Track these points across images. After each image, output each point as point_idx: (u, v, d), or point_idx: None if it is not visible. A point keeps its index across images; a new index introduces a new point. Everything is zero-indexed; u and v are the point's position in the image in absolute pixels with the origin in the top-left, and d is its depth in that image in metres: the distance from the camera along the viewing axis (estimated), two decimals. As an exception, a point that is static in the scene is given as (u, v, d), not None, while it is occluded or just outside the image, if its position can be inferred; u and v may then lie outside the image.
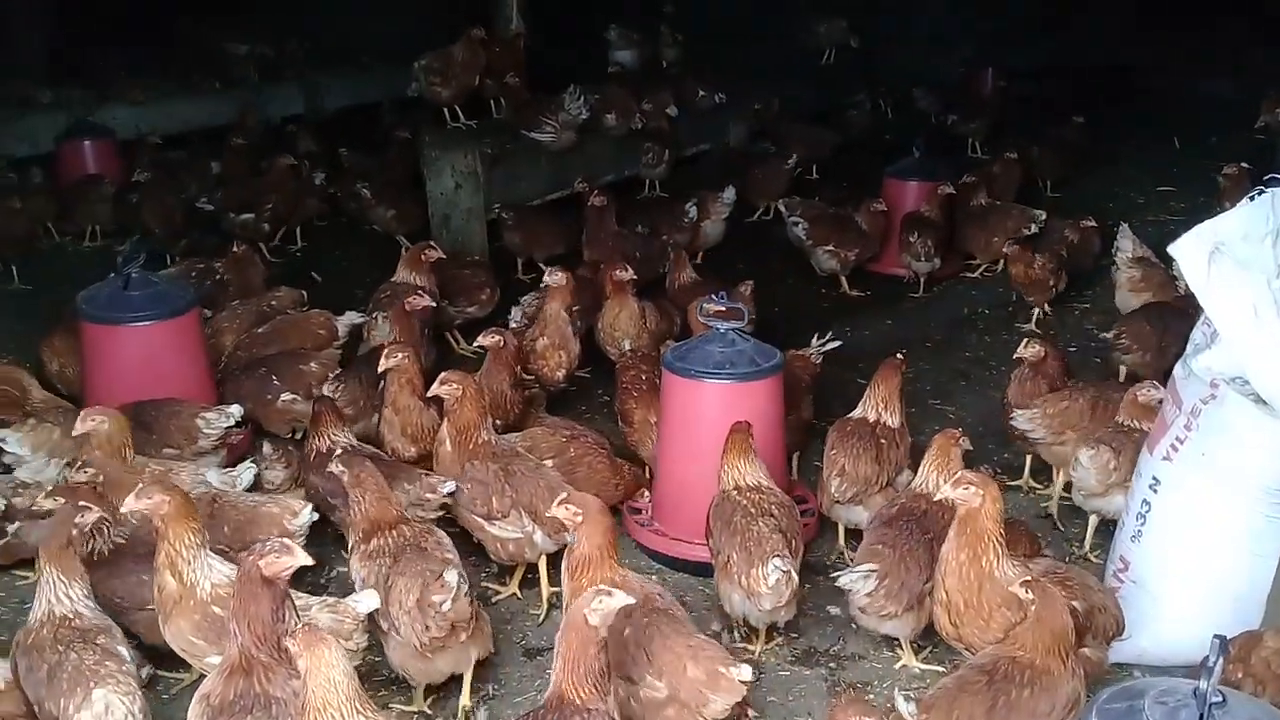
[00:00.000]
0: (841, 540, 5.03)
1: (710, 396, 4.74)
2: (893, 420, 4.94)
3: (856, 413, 5.02)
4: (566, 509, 3.72)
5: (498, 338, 5.21)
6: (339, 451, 4.45)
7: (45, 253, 8.55)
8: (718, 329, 4.85)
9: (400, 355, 4.95)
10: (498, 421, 5.14)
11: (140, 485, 3.62)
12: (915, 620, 4.10)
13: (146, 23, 13.68)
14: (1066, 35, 13.65)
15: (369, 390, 5.34)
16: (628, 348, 5.95)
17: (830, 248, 8.01)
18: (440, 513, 4.65)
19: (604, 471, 4.96)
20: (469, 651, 3.89)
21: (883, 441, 4.85)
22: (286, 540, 3.13)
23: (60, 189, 8.81)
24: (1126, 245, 7.27)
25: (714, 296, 5.12)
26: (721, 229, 8.63)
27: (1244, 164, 8.40)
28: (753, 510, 4.16)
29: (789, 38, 12.97)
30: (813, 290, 8.23)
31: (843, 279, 8.12)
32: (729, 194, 8.52)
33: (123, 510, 3.69)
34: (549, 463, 4.82)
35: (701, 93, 9.97)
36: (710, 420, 4.70)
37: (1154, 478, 4.29)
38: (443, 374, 4.56)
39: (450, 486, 4.51)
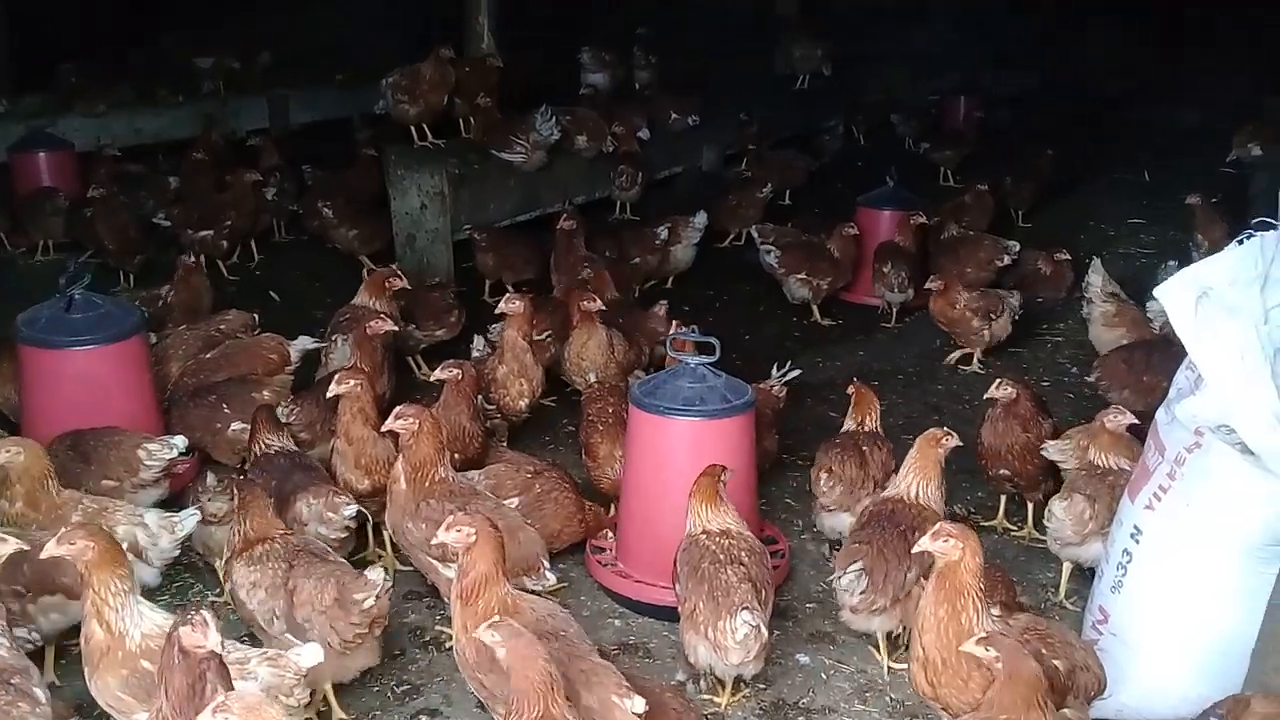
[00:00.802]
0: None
1: (679, 434, 4.53)
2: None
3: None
4: (458, 531, 3.62)
5: (455, 371, 4.97)
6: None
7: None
8: (687, 363, 4.64)
9: (352, 382, 4.70)
10: (457, 456, 4.92)
11: (63, 530, 3.36)
12: (900, 614, 4.15)
13: (111, 33, 13.48)
14: (1049, 64, 13.62)
15: (326, 414, 5.09)
16: (594, 379, 5.74)
17: (802, 276, 7.85)
18: (345, 533, 4.51)
19: (569, 508, 4.74)
20: (377, 650, 3.90)
21: (864, 449, 4.95)
22: (208, 615, 2.87)
23: (13, 201, 8.48)
24: (1097, 280, 7.12)
25: (684, 330, 4.92)
26: (692, 254, 8.46)
27: (1213, 198, 8.36)
28: (721, 557, 3.95)
29: (764, 61, 12.92)
30: (784, 318, 8.06)
31: (814, 308, 7.96)
32: (700, 219, 8.35)
33: (43, 556, 3.43)
34: (513, 501, 4.60)
35: (674, 115, 9.81)
36: (678, 459, 4.50)
37: (1135, 527, 4.11)
38: (398, 408, 4.32)
39: (351, 510, 4.42)
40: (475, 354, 5.96)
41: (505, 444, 5.76)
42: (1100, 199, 10.73)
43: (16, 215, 8.38)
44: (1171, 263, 7.84)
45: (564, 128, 8.39)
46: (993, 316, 7.03)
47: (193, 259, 6.60)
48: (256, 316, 6.25)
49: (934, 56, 13.78)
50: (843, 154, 12.34)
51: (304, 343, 5.72)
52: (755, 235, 8.22)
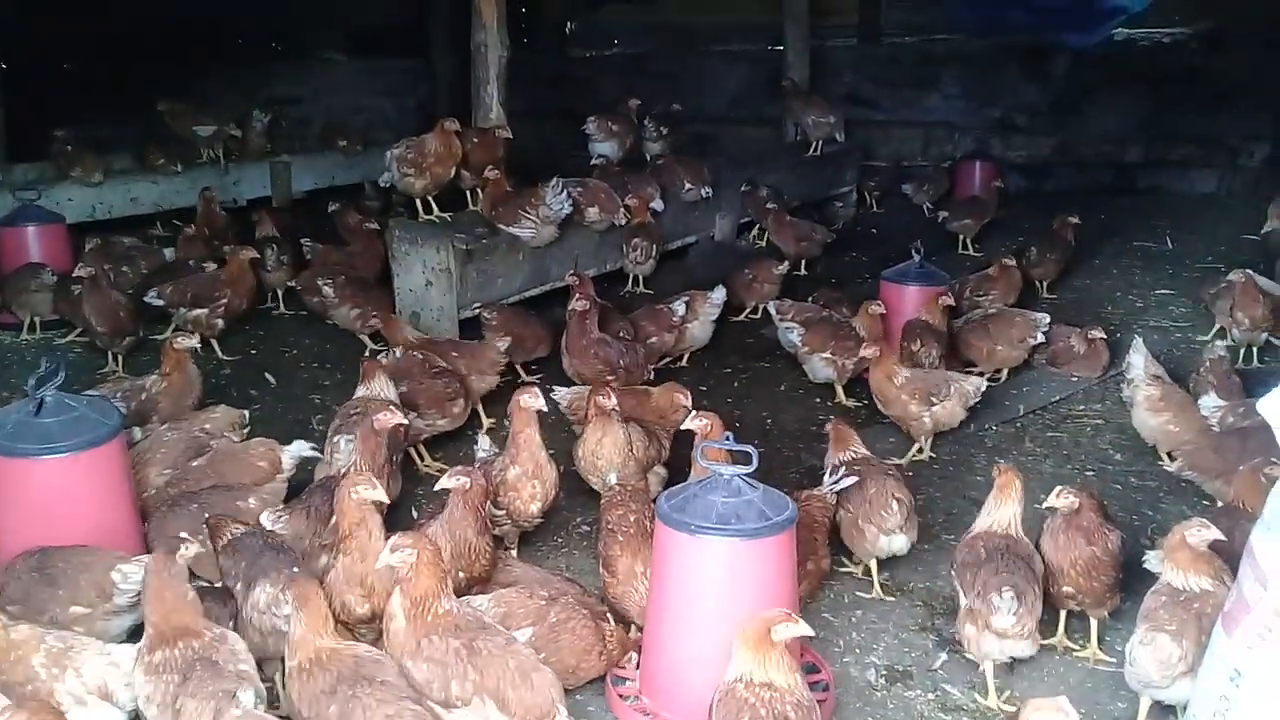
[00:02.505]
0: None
1: (712, 556, 3.98)
2: None
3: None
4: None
5: (464, 480, 4.42)
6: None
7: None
8: (720, 474, 4.11)
9: (365, 486, 4.14)
10: (461, 575, 4.39)
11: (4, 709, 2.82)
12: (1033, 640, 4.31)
13: (109, 100, 13.11)
14: (1062, 129, 13.21)
15: (319, 525, 4.55)
16: (614, 481, 5.19)
17: (826, 355, 7.33)
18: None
19: (588, 639, 4.17)
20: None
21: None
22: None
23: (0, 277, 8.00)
24: (1139, 361, 6.61)
25: (720, 438, 4.39)
26: (709, 330, 7.96)
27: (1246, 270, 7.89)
28: (764, 713, 3.39)
29: (776, 129, 12.57)
30: (807, 399, 7.53)
31: (839, 389, 7.43)
32: (718, 294, 7.86)
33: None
34: (525, 632, 4.05)
35: (688, 185, 9.36)
36: (711, 583, 3.97)
37: (1235, 670, 3.56)
38: (393, 539, 3.77)
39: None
40: (481, 454, 5.40)
41: (515, 550, 5.24)
42: (1124, 268, 10.23)
43: (2, 291, 7.87)
44: (1219, 344, 7.39)
45: (575, 200, 7.94)
46: (934, 401, 6.36)
47: (181, 344, 6.03)
48: (246, 415, 5.70)
49: (946, 122, 13.43)
50: (856, 221, 11.91)
51: (299, 449, 5.16)
52: (774, 312, 7.73)
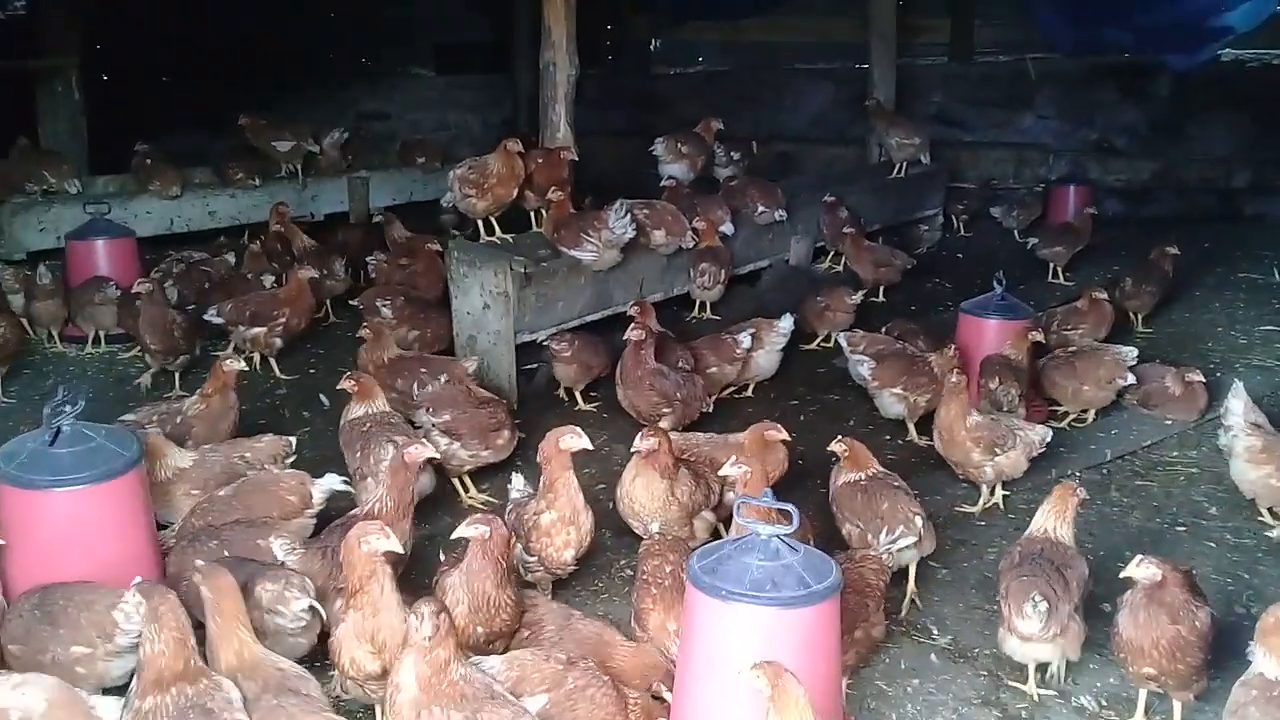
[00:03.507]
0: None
1: (744, 626, 3.58)
2: None
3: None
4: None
5: (483, 528, 4.07)
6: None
7: (38, 360, 7.70)
8: (757, 534, 3.70)
9: (377, 537, 3.84)
10: (480, 630, 4.05)
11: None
12: (1063, 647, 4.31)
13: (199, 115, 13.19)
14: (1163, 153, 12.45)
15: (335, 568, 4.25)
16: (655, 529, 4.80)
17: (897, 391, 6.84)
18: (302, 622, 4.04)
19: (609, 708, 3.78)
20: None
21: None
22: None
23: (68, 290, 7.94)
24: (1239, 407, 5.97)
25: (760, 491, 3.99)
26: (776, 360, 7.53)
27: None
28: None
29: (859, 150, 12.10)
30: (876, 436, 7.03)
31: (911, 426, 6.94)
32: (786, 323, 7.43)
33: None
34: (540, 699, 3.68)
35: (761, 207, 8.93)
36: (742, 655, 3.55)
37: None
38: (416, 605, 3.44)
39: (304, 603, 4.00)
40: (514, 494, 5.05)
41: (549, 593, 4.88)
42: (1227, 301, 9.48)
43: (70, 305, 7.81)
44: (1332, 391, 6.73)
45: (640, 222, 7.59)
46: (998, 451, 5.85)
47: (230, 367, 5.82)
48: (292, 444, 5.45)
49: (1040, 144, 12.77)
50: (940, 245, 11.34)
51: (330, 483, 4.88)
52: (845, 343, 7.26)
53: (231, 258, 8.78)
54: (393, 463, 4.66)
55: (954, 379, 5.88)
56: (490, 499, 5.97)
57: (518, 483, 5.07)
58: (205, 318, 7.49)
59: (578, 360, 7.01)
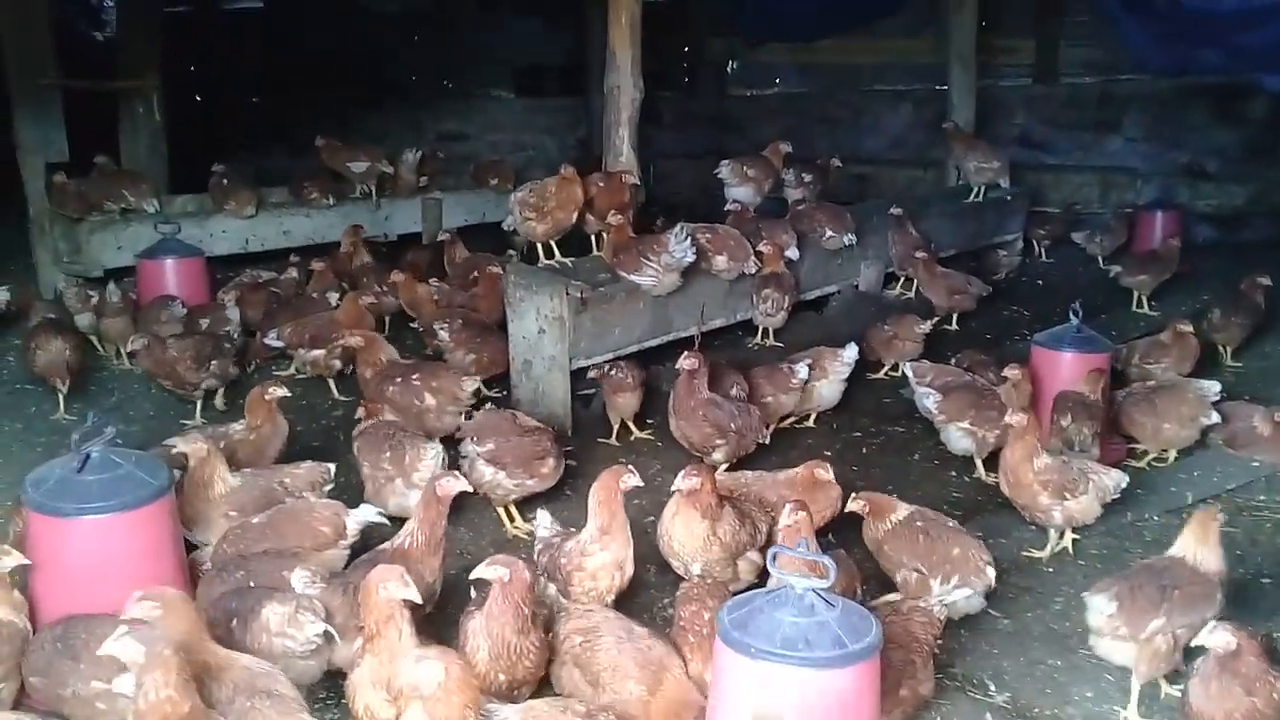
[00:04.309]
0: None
1: (773, 686, 3.32)
2: None
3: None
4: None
5: (503, 570, 3.86)
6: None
7: (104, 377, 7.74)
8: (791, 588, 3.44)
9: (396, 584, 3.66)
10: (502, 677, 3.84)
11: None
12: (1147, 659, 4.22)
13: (273, 135, 13.35)
14: (1257, 178, 11.81)
15: (355, 605, 4.07)
16: (696, 571, 4.55)
17: (965, 426, 6.49)
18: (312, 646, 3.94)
19: (631, 765, 3.55)
20: None
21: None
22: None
23: (137, 309, 7.98)
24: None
25: (800, 538, 3.72)
26: (839, 390, 7.22)
27: None
28: None
29: (938, 172, 11.73)
30: (942, 472, 6.70)
31: (978, 461, 6.57)
32: (850, 353, 7.12)
33: None
34: (555, 751, 3.46)
35: (830, 232, 8.63)
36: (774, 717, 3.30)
37: None
38: (419, 651, 3.25)
39: (317, 628, 3.87)
40: (542, 532, 4.83)
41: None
42: (1327, 335, 8.93)
43: (138, 324, 7.84)
44: None
45: (701, 246, 7.36)
46: (1068, 496, 5.45)
47: (273, 394, 5.73)
48: (332, 470, 5.31)
49: (1127, 168, 12.22)
50: (1020, 271, 10.89)
51: (365, 514, 4.73)
52: (911, 374, 6.93)
53: (295, 272, 8.74)
54: (424, 496, 4.49)
55: (1017, 419, 5.50)
56: (534, 530, 5.77)
57: (544, 520, 4.85)
58: (266, 341, 7.47)
59: (642, 389, 6.80)
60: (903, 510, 4.97)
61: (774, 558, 3.58)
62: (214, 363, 6.97)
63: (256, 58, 14.98)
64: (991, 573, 4.81)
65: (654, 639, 3.79)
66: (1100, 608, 4.29)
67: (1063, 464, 5.56)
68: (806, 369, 6.79)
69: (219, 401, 7.17)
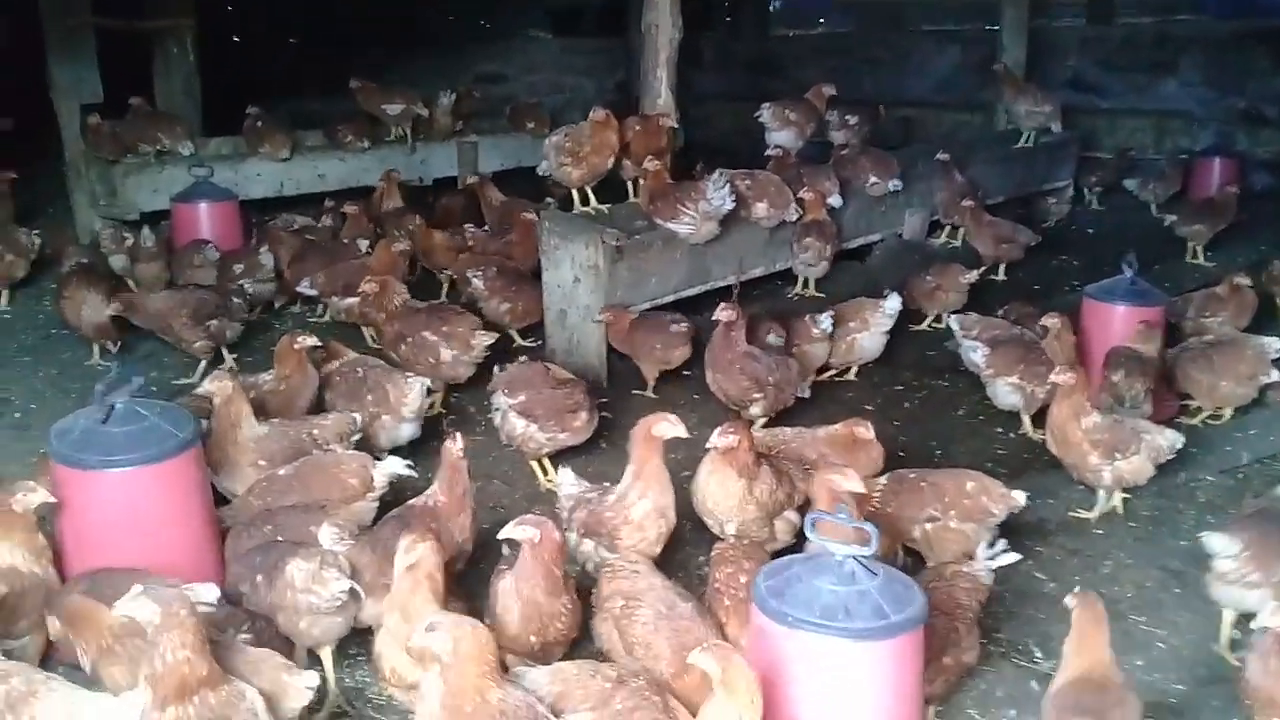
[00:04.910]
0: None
1: (811, 656, 3.18)
2: None
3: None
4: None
5: (532, 530, 3.73)
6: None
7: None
8: (832, 555, 3.28)
9: (420, 549, 3.55)
10: (533, 639, 3.73)
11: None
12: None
13: (311, 77, 13.14)
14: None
15: (384, 563, 3.97)
16: (731, 531, 4.41)
17: (1014, 381, 6.26)
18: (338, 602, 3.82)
19: (658, 731, 3.42)
20: None
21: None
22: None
23: (171, 253, 7.89)
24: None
25: (833, 511, 3.55)
26: (881, 342, 6.98)
27: None
28: None
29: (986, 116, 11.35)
30: (987, 428, 6.48)
31: (1026, 419, 6.35)
32: (892, 303, 6.88)
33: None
34: (584, 716, 3.33)
35: (874, 179, 8.35)
36: (811, 690, 3.17)
37: None
38: (431, 618, 3.12)
39: (343, 585, 3.75)
40: (568, 489, 4.64)
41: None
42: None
43: (171, 267, 7.76)
44: None
45: (741, 193, 7.13)
46: (1118, 456, 5.22)
47: (301, 343, 5.60)
48: (358, 420, 5.19)
49: (1183, 112, 11.76)
50: (1070, 220, 10.54)
51: (393, 466, 4.59)
52: (957, 327, 6.70)
53: (329, 219, 8.61)
54: (445, 456, 4.35)
55: (1058, 379, 5.28)
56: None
57: (568, 477, 4.69)
58: (299, 289, 7.35)
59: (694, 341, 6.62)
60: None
61: (813, 524, 3.42)
62: (213, 322, 6.72)
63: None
64: (1019, 495, 4.63)
65: (695, 619, 3.60)
66: (1224, 549, 4.16)
67: (1114, 422, 5.33)
68: (830, 320, 6.55)
69: (228, 358, 6.90)
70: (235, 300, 6.94)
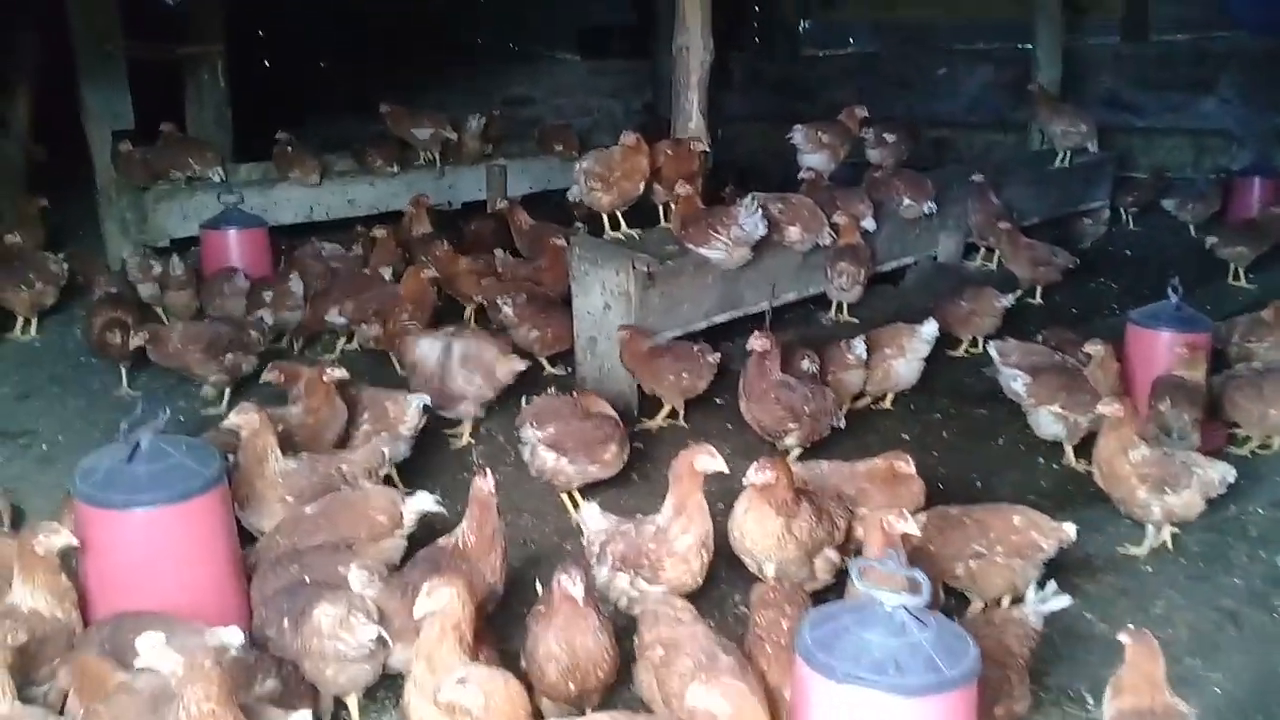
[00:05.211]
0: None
1: (860, 712, 3.01)
2: None
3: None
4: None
5: (574, 580, 3.58)
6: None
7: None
8: (880, 605, 3.13)
9: (445, 594, 3.42)
10: (572, 687, 3.59)
11: None
12: None
13: (342, 100, 13.14)
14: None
15: (412, 608, 3.83)
16: (770, 572, 4.26)
17: (1056, 410, 6.07)
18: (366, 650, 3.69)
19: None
20: None
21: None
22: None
23: (200, 280, 7.83)
24: None
25: (886, 553, 3.39)
26: (917, 369, 6.79)
27: None
28: None
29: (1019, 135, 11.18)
30: (1028, 459, 6.29)
31: (1068, 448, 6.16)
32: (928, 329, 6.69)
33: None
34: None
35: (907, 200, 8.20)
36: (859, 747, 3.01)
37: None
38: (461, 670, 3.00)
39: (371, 632, 3.62)
40: (594, 524, 4.46)
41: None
42: None
43: (202, 296, 7.70)
44: None
45: (773, 218, 6.99)
46: (1168, 490, 5.03)
47: (330, 376, 5.50)
48: (386, 454, 5.08)
49: (1221, 130, 11.53)
50: (1107, 241, 10.33)
51: (422, 503, 4.46)
52: (995, 354, 6.51)
53: (359, 248, 8.53)
54: (475, 493, 4.23)
55: (1107, 410, 5.10)
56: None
57: (593, 512, 4.55)
58: (328, 318, 7.25)
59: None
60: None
61: (858, 571, 3.26)
62: (229, 355, 6.61)
63: (325, 23, 14.75)
64: (1069, 528, 4.49)
65: (735, 675, 3.44)
66: None
67: (1163, 455, 5.15)
68: (863, 346, 6.40)
69: (210, 394, 6.72)
70: (252, 333, 6.81)
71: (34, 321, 7.90)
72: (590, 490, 5.55)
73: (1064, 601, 3.92)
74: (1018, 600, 4.26)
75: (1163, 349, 6.21)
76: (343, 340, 7.52)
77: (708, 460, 4.29)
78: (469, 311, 8.03)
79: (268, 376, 5.80)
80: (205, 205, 8.90)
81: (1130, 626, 3.59)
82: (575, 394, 5.81)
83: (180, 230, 8.97)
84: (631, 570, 4.31)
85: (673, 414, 6.51)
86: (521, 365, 6.12)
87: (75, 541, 3.86)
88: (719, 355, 6.39)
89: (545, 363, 7.13)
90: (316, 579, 3.99)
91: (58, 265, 7.95)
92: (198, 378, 6.68)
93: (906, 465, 4.80)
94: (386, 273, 7.62)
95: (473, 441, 6.32)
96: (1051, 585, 4.01)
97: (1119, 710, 3.40)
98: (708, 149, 7.36)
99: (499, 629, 4.25)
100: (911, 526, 3.85)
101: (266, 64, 15.30)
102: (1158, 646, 3.47)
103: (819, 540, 4.43)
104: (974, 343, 7.55)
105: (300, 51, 15.15)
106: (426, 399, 5.67)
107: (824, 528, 4.44)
